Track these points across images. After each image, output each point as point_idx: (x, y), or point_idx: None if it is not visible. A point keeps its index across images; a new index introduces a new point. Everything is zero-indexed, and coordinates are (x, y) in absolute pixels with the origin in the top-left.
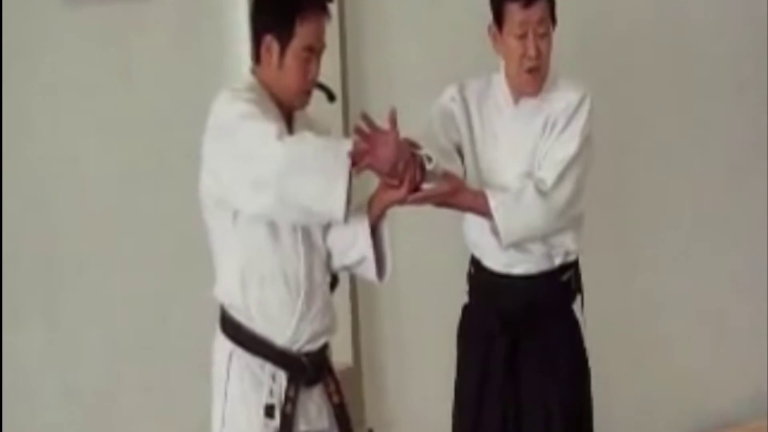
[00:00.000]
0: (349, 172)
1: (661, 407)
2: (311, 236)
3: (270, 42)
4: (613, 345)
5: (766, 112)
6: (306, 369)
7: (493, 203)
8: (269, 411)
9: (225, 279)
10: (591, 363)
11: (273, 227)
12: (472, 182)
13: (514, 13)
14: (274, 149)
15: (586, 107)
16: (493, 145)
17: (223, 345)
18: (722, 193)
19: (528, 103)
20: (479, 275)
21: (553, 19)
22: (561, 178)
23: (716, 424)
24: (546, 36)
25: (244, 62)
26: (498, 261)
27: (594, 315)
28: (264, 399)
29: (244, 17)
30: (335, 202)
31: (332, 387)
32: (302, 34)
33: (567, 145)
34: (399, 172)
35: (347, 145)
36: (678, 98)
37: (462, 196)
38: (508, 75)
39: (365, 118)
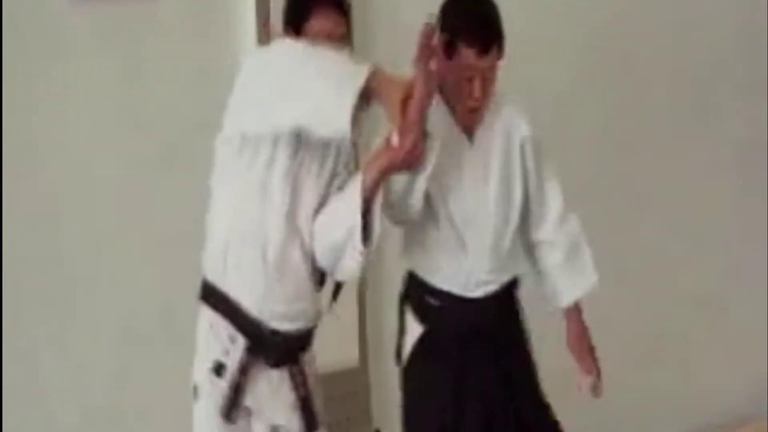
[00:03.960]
0: (361, 91)
1: (660, 407)
2: (296, 215)
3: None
4: (613, 344)
5: (767, 106)
6: (266, 341)
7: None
8: (218, 369)
9: (212, 242)
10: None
11: (264, 189)
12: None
13: (467, 57)
14: (293, 44)
15: (539, 139)
16: (457, 175)
17: (203, 317)
18: (724, 193)
19: (482, 135)
20: (434, 300)
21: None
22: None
23: (716, 424)
24: (494, 78)
25: (251, 45)
26: (458, 284)
27: (593, 313)
28: (217, 355)
29: (252, 15)
30: (342, 108)
31: (299, 378)
32: (315, 27)
33: (553, 193)
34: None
35: (367, 70)
36: (680, 95)
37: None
38: (448, 102)
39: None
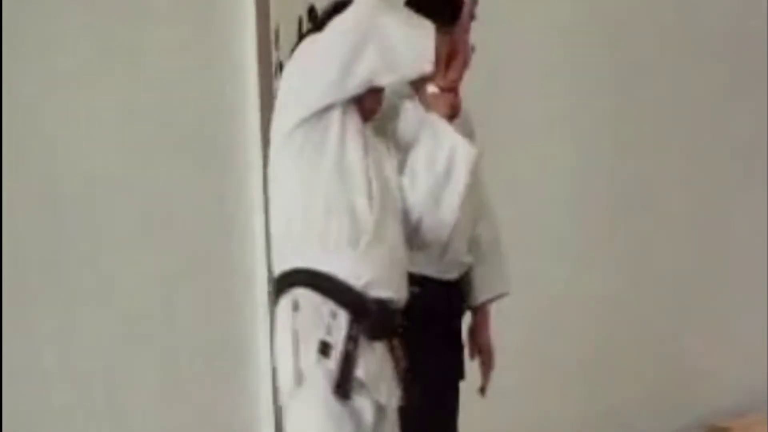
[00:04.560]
0: None
1: (660, 400)
2: (388, 182)
3: None
4: (613, 340)
5: (766, 104)
6: (370, 313)
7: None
8: (324, 348)
9: (286, 231)
10: (591, 358)
11: (341, 162)
12: None
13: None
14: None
15: None
16: None
17: (283, 310)
18: (725, 190)
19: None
20: (415, 288)
21: None
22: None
23: (715, 417)
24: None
25: (251, 48)
26: (438, 267)
27: (594, 308)
28: (320, 335)
29: (251, 1)
30: (425, 47)
31: (399, 353)
32: None
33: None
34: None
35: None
36: (680, 91)
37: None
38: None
39: None
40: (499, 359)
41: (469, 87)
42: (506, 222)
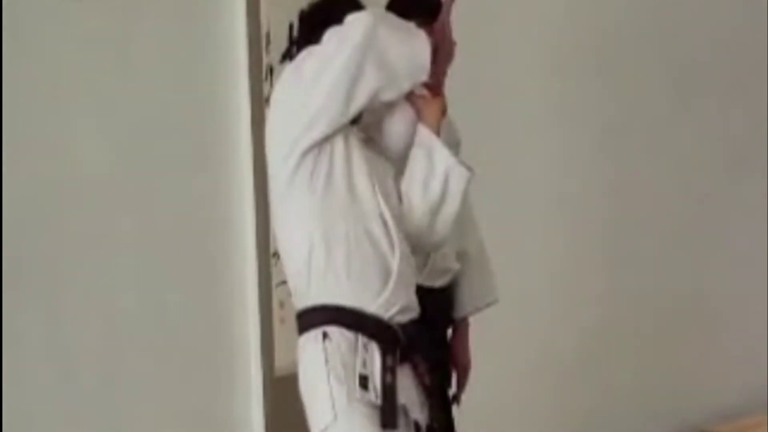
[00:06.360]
0: None
1: (660, 401)
2: (394, 204)
3: None
4: (611, 341)
5: (766, 106)
6: (400, 340)
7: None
8: (363, 381)
9: (303, 267)
10: (588, 358)
11: (351, 187)
12: None
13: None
14: (360, 17)
15: None
16: None
17: (312, 344)
18: (721, 185)
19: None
20: None
21: None
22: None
23: (716, 418)
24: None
25: (242, 51)
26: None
27: (591, 310)
28: (359, 368)
29: (242, 4)
30: (422, 57)
31: (422, 368)
32: None
33: None
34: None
35: None
36: (676, 92)
37: None
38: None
39: None
40: (493, 358)
41: (457, 91)
42: (501, 223)
